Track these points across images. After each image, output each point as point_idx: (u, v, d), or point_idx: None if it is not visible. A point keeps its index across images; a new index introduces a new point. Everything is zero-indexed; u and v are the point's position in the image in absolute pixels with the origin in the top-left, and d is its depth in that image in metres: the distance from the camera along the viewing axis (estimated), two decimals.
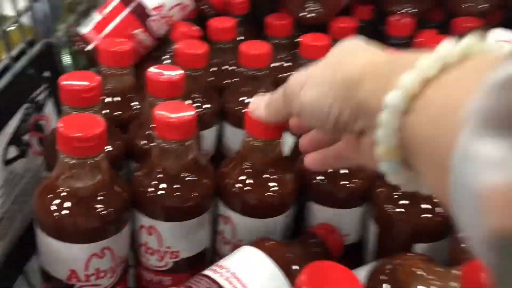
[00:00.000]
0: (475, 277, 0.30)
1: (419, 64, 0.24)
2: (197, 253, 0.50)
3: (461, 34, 0.24)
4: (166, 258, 0.49)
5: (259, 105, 0.43)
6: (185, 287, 0.42)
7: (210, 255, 0.53)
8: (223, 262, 0.44)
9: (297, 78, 0.35)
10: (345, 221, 0.52)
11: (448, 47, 0.24)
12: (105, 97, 0.57)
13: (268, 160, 0.48)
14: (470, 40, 0.24)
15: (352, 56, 0.30)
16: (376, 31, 0.80)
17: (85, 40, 0.65)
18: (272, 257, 0.43)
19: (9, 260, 0.54)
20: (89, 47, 0.65)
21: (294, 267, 0.42)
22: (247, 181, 0.48)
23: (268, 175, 0.48)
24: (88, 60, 0.69)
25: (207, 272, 0.43)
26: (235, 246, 0.48)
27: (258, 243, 0.45)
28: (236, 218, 0.49)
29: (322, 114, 0.30)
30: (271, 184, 0.48)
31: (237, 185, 0.48)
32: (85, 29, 0.65)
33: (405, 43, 0.71)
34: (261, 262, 0.42)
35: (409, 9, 0.75)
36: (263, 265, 0.42)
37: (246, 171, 0.48)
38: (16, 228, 0.56)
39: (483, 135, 0.17)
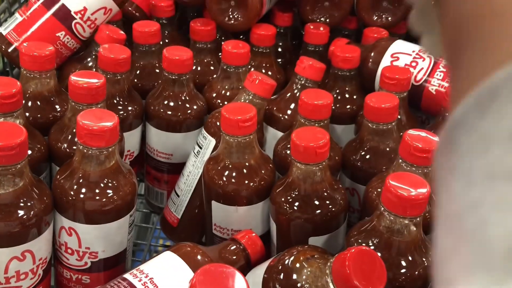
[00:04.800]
0: (341, 264, 0.37)
1: None
2: (116, 254, 0.52)
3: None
4: (85, 258, 0.51)
5: None
6: None
7: None
8: (143, 266, 0.47)
9: None
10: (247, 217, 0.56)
11: None
12: (26, 100, 0.58)
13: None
14: None
15: None
16: (295, 38, 0.85)
17: (6, 41, 0.65)
18: (188, 262, 0.46)
19: None
20: (10, 49, 0.65)
21: None
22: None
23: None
24: (9, 61, 0.69)
25: (126, 275, 0.46)
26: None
27: (176, 248, 0.48)
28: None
29: None
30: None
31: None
32: (6, 29, 0.65)
33: (320, 50, 0.77)
34: (177, 267, 0.46)
35: (325, 18, 0.80)
36: (179, 270, 0.46)
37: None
38: None
39: None
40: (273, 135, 0.66)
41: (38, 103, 0.59)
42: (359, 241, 0.45)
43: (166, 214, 0.68)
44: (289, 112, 0.66)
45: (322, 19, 0.80)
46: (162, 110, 0.65)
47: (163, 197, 0.72)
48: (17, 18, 0.65)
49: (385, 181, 0.43)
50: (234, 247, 0.51)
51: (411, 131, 0.50)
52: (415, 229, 0.44)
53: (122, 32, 0.69)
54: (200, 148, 0.63)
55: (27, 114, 0.58)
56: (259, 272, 0.46)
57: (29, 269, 0.48)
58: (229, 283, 0.31)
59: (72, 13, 0.65)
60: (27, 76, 0.58)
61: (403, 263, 0.44)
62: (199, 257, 0.48)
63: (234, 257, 0.50)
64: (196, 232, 0.65)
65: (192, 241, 0.55)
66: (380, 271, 0.38)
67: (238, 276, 0.32)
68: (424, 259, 0.44)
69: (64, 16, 0.65)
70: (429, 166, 0.49)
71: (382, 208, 0.44)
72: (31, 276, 0.49)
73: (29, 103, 0.59)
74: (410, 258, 0.44)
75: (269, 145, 0.66)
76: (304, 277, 0.41)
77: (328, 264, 0.39)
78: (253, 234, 0.52)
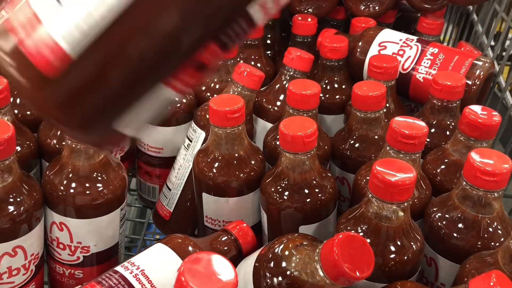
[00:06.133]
0: (329, 250, 0.38)
1: None
2: (108, 248, 0.53)
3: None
4: (77, 252, 0.51)
5: None
6: (96, 282, 0.45)
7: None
8: (135, 258, 0.47)
9: None
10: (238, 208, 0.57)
11: None
12: (14, 97, 0.58)
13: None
14: None
15: None
16: (284, 30, 0.85)
17: None
18: (179, 253, 0.46)
19: None
20: None
21: None
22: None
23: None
24: None
25: (118, 268, 0.46)
26: None
27: (167, 240, 0.48)
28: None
29: None
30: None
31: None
32: None
33: (309, 41, 0.77)
34: (168, 259, 0.46)
35: (312, 9, 0.80)
36: (170, 262, 0.46)
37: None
38: None
39: None
40: (263, 126, 0.67)
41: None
42: (348, 228, 0.46)
43: (158, 208, 0.68)
44: (278, 103, 0.66)
45: (310, 10, 0.80)
46: None
47: (155, 192, 0.72)
48: (3, 15, 0.65)
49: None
50: (225, 237, 0.51)
51: (398, 118, 0.50)
52: (402, 214, 0.44)
53: None
54: (190, 141, 0.63)
55: (16, 111, 0.58)
56: (250, 261, 0.46)
57: (21, 265, 0.49)
58: (217, 271, 0.32)
59: None
60: None
61: (392, 248, 0.44)
62: (190, 248, 0.48)
63: (226, 248, 0.51)
64: (189, 225, 0.66)
65: (184, 234, 0.56)
66: (368, 256, 0.39)
67: (226, 263, 0.32)
68: (412, 244, 0.45)
69: None
70: (417, 152, 0.50)
71: (370, 195, 0.44)
72: (23, 272, 0.49)
73: (18, 100, 0.59)
74: (398, 243, 0.44)
75: (259, 137, 0.67)
76: (293, 264, 0.42)
77: (317, 250, 0.40)
78: (244, 225, 0.53)
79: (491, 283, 0.35)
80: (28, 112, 0.59)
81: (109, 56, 0.24)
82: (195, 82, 0.26)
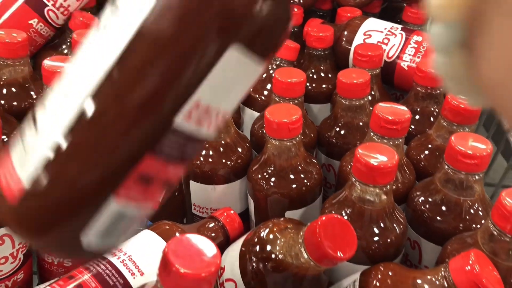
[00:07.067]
0: (312, 232, 0.39)
1: None
2: None
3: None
4: None
5: None
6: (84, 269, 0.45)
7: None
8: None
9: None
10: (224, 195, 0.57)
11: None
12: (0, 87, 0.58)
13: None
14: None
15: None
16: None
17: None
18: (167, 240, 0.47)
19: None
20: None
21: None
22: None
23: None
24: None
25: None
26: None
27: (155, 227, 0.49)
28: None
29: None
30: None
31: None
32: None
33: (295, 31, 0.77)
34: (155, 245, 0.46)
35: None
36: (157, 248, 0.46)
37: None
38: None
39: None
40: (250, 115, 0.67)
41: (13, 90, 0.59)
42: (333, 212, 0.47)
43: None
44: (265, 92, 0.67)
45: (296, 0, 0.81)
46: None
47: None
48: None
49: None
50: (213, 224, 0.52)
51: (381, 104, 0.51)
52: (385, 197, 0.45)
53: (96, 18, 0.69)
54: None
55: (2, 101, 0.58)
56: (236, 246, 0.47)
57: (9, 253, 0.49)
58: (201, 251, 0.32)
59: (45, 0, 0.65)
60: (0, 63, 0.58)
61: (376, 231, 0.45)
62: (177, 234, 0.48)
63: (213, 234, 0.51)
64: (177, 214, 0.66)
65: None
66: (350, 237, 0.39)
67: (210, 244, 0.33)
68: (395, 226, 0.46)
69: (36, 3, 0.64)
70: (400, 138, 0.51)
71: (353, 178, 0.45)
72: (11, 261, 0.49)
73: (4, 91, 0.59)
74: (382, 225, 0.45)
75: (246, 126, 0.67)
76: (278, 247, 0.42)
77: (301, 233, 0.40)
78: (232, 212, 0.53)
79: (470, 261, 0.36)
80: (15, 103, 0.59)
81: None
82: (154, 195, 0.26)
